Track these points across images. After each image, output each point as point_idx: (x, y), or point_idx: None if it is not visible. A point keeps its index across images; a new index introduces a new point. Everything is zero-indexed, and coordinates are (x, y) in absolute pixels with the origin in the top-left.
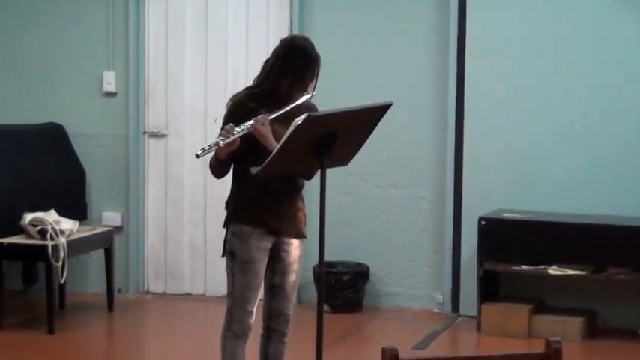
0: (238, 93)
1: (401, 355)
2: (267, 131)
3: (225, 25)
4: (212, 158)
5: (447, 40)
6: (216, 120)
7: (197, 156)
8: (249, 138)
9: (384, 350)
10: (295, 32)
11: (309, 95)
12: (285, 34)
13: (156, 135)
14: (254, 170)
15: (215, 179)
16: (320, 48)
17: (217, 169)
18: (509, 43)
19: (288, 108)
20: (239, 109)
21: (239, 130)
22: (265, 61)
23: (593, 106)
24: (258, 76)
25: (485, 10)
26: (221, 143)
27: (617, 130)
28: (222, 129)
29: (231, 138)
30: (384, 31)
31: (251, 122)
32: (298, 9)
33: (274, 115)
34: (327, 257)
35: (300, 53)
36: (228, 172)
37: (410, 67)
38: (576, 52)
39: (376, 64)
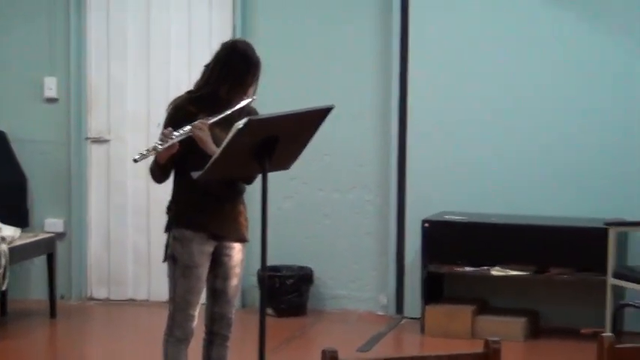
0: (179, 97)
1: (341, 356)
2: (206, 136)
3: (167, 29)
4: (152, 163)
5: (389, 44)
6: (158, 125)
7: (135, 160)
8: (189, 142)
9: (324, 352)
10: (238, 37)
11: (249, 99)
12: (227, 38)
13: (98, 140)
14: (195, 174)
15: (157, 184)
16: (263, 52)
17: (157, 173)
18: (452, 45)
19: (228, 112)
20: (179, 113)
21: (177, 135)
22: (206, 65)
23: (533, 107)
24: (199, 81)
25: (428, 13)
26: (159, 148)
27: (555, 131)
28: (161, 133)
29: (170, 142)
30: (327, 35)
31: (190, 126)
32: (241, 13)
33: (214, 120)
34: (271, 261)
35: (241, 57)
36: (168, 176)
37: (353, 71)
38: (520, 53)
39: (319, 68)
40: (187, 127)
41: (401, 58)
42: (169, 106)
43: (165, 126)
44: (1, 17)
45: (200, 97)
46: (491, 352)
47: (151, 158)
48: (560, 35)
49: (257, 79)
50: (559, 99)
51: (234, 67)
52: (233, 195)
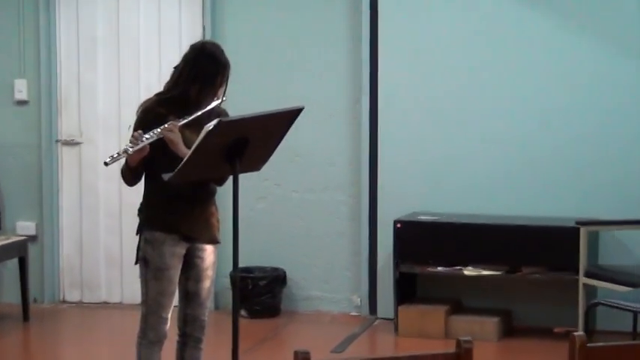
0: (148, 99)
1: (314, 358)
2: (176, 137)
3: (137, 31)
4: (123, 166)
5: (359, 43)
6: (130, 127)
7: (106, 163)
8: (160, 144)
9: (296, 354)
10: (208, 38)
11: (219, 101)
12: (197, 39)
13: (69, 143)
14: (166, 176)
15: (128, 187)
16: (233, 53)
17: (129, 176)
18: (421, 45)
19: (198, 114)
20: (148, 115)
21: (148, 137)
22: (175, 67)
23: (504, 107)
24: (168, 82)
25: (397, 13)
26: (130, 150)
27: (527, 131)
28: (132, 136)
29: (140, 145)
30: (296, 36)
31: (160, 129)
32: (210, 14)
33: (184, 122)
34: (244, 263)
35: (210, 59)
36: (140, 179)
37: (323, 71)
38: (489, 53)
39: (289, 69)
40: (158, 130)
41: (371, 57)
42: (139, 108)
43: (136, 129)
44: None
45: (170, 99)
46: (463, 352)
47: (122, 161)
48: (531, 34)
49: (227, 80)
50: (531, 98)
51: (203, 68)
52: (204, 196)
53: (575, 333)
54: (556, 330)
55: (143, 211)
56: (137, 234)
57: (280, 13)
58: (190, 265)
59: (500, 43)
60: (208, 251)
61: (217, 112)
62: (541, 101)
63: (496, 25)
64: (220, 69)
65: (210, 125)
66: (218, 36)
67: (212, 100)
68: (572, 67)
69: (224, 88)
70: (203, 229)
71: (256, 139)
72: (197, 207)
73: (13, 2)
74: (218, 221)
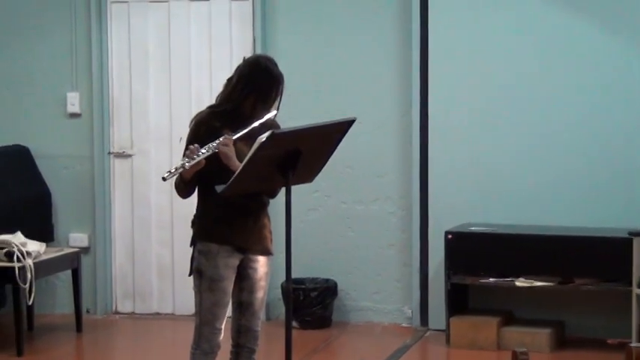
0: (201, 112)
1: None
2: (230, 152)
3: (187, 43)
4: (177, 178)
5: (409, 55)
6: (181, 139)
7: (164, 179)
8: (214, 157)
9: None
10: (258, 50)
11: (273, 113)
12: (248, 52)
13: (121, 155)
14: (219, 188)
15: (181, 199)
16: (283, 65)
17: (183, 189)
18: (472, 56)
19: (252, 127)
20: (202, 128)
21: (204, 152)
22: (228, 80)
23: (559, 117)
24: (221, 95)
25: (448, 24)
26: (187, 165)
27: (582, 141)
28: (186, 149)
29: (197, 159)
30: (346, 48)
31: (215, 143)
32: (261, 26)
33: (238, 135)
34: (295, 274)
35: (264, 73)
36: (193, 191)
37: (373, 83)
38: (543, 63)
39: (339, 81)
40: (214, 144)
41: (421, 68)
42: (192, 121)
43: (189, 141)
44: (23, 34)
45: (223, 113)
46: None
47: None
48: (583, 41)
49: (280, 93)
50: (585, 109)
51: (257, 83)
52: (257, 208)
53: (632, 344)
54: (609, 341)
55: (197, 222)
56: (191, 245)
57: (329, 26)
58: (244, 276)
59: (554, 51)
60: (261, 262)
61: (269, 124)
62: (593, 111)
63: (548, 34)
64: (275, 83)
65: (263, 137)
66: (268, 47)
67: (266, 113)
68: (625, 76)
69: (278, 101)
70: (256, 241)
71: (309, 150)
72: (250, 219)
73: (65, 16)
74: (271, 233)
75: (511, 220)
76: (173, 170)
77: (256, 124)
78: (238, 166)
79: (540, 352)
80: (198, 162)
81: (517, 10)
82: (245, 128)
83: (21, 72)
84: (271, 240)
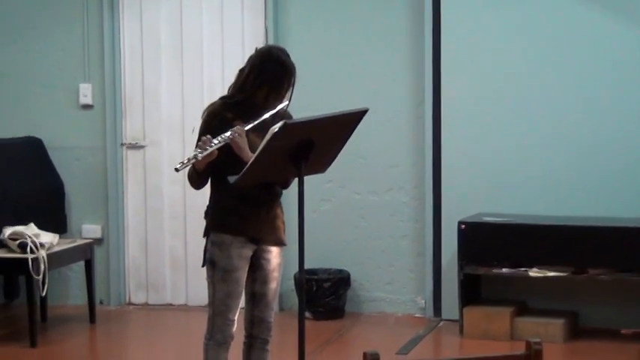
0: (214, 103)
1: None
2: (243, 142)
3: (200, 34)
4: (190, 169)
5: (422, 44)
6: (193, 130)
7: (176, 169)
8: (226, 148)
9: (365, 355)
10: (270, 40)
11: (285, 103)
12: (260, 42)
13: (134, 146)
14: (232, 179)
15: (194, 190)
16: (295, 56)
17: (196, 179)
18: (485, 45)
19: (264, 117)
20: (214, 119)
21: (216, 142)
22: (240, 70)
23: (571, 106)
24: (234, 86)
25: (460, 13)
26: (199, 156)
27: (596, 131)
28: (199, 140)
29: (209, 150)
30: (359, 38)
31: (228, 134)
32: (273, 17)
33: (251, 126)
34: (308, 265)
35: (277, 64)
36: (206, 182)
37: (386, 73)
38: (554, 53)
39: (352, 71)
40: (226, 135)
41: (433, 57)
42: (204, 112)
43: (201, 132)
44: (35, 25)
45: (236, 103)
46: (533, 354)
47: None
48: (598, 33)
49: (293, 84)
50: (598, 99)
51: (270, 73)
52: (270, 199)
53: None
54: (624, 331)
55: (210, 213)
56: (204, 236)
57: (342, 16)
58: (257, 267)
59: (565, 42)
60: (274, 253)
61: (281, 114)
62: (607, 101)
63: (560, 25)
64: (287, 73)
65: (276, 127)
66: (280, 38)
67: (278, 104)
68: None
69: (290, 91)
70: (269, 231)
71: (321, 141)
72: (263, 209)
73: (77, 8)
74: (284, 223)
75: (524, 210)
76: (185, 161)
77: (268, 115)
78: (251, 156)
79: (554, 342)
80: (211, 153)
81: (531, 2)
82: (257, 119)
83: (33, 63)
84: (284, 230)
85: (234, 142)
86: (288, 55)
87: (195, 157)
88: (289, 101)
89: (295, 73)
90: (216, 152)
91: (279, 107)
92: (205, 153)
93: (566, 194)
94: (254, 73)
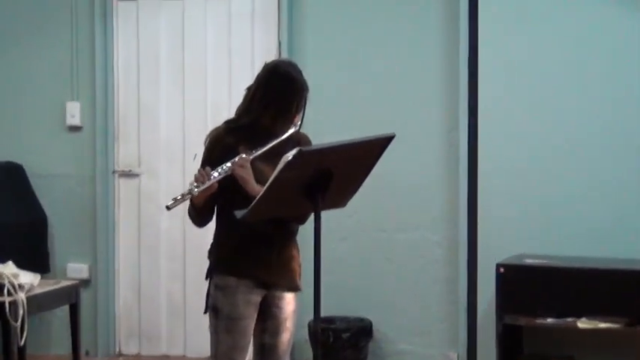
0: (217, 128)
1: None
2: (247, 174)
3: (204, 48)
4: (189, 205)
5: (456, 63)
6: (195, 157)
7: (167, 208)
8: (230, 179)
9: None
10: (284, 55)
11: (295, 129)
12: (272, 57)
13: (127, 174)
14: (239, 214)
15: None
16: (312, 74)
17: (195, 217)
18: (526, 69)
19: (272, 144)
20: (216, 146)
21: (216, 175)
22: (247, 88)
23: (621, 141)
24: (240, 107)
25: (499, 31)
26: (195, 191)
27: None
28: (198, 172)
29: (207, 184)
30: (386, 56)
31: (229, 164)
32: (287, 30)
33: (255, 155)
34: (325, 312)
35: (285, 80)
36: (210, 218)
37: (415, 94)
38: (603, 82)
39: (376, 91)
40: (227, 165)
41: (469, 82)
42: (207, 138)
43: (204, 161)
44: (17, 35)
45: (240, 128)
46: None
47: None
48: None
49: (304, 105)
50: None
51: (277, 92)
52: (283, 237)
53: None
54: None
55: (213, 252)
56: (206, 279)
57: (367, 30)
58: (267, 316)
59: (619, 60)
60: (287, 299)
61: (296, 139)
62: None
63: (611, 40)
64: (297, 92)
65: (290, 155)
66: (296, 53)
67: (287, 128)
68: None
69: (301, 114)
70: (282, 275)
71: (341, 171)
72: (275, 249)
73: (65, 14)
74: (300, 266)
75: (572, 252)
76: (179, 197)
77: (277, 141)
78: (257, 189)
79: None
80: (209, 187)
81: (574, 15)
82: (264, 146)
83: (14, 78)
84: (300, 274)
85: (237, 174)
86: (299, 72)
87: (190, 192)
88: (300, 125)
89: (307, 91)
90: (216, 185)
91: (290, 132)
92: (202, 188)
93: (619, 234)
94: (260, 91)
